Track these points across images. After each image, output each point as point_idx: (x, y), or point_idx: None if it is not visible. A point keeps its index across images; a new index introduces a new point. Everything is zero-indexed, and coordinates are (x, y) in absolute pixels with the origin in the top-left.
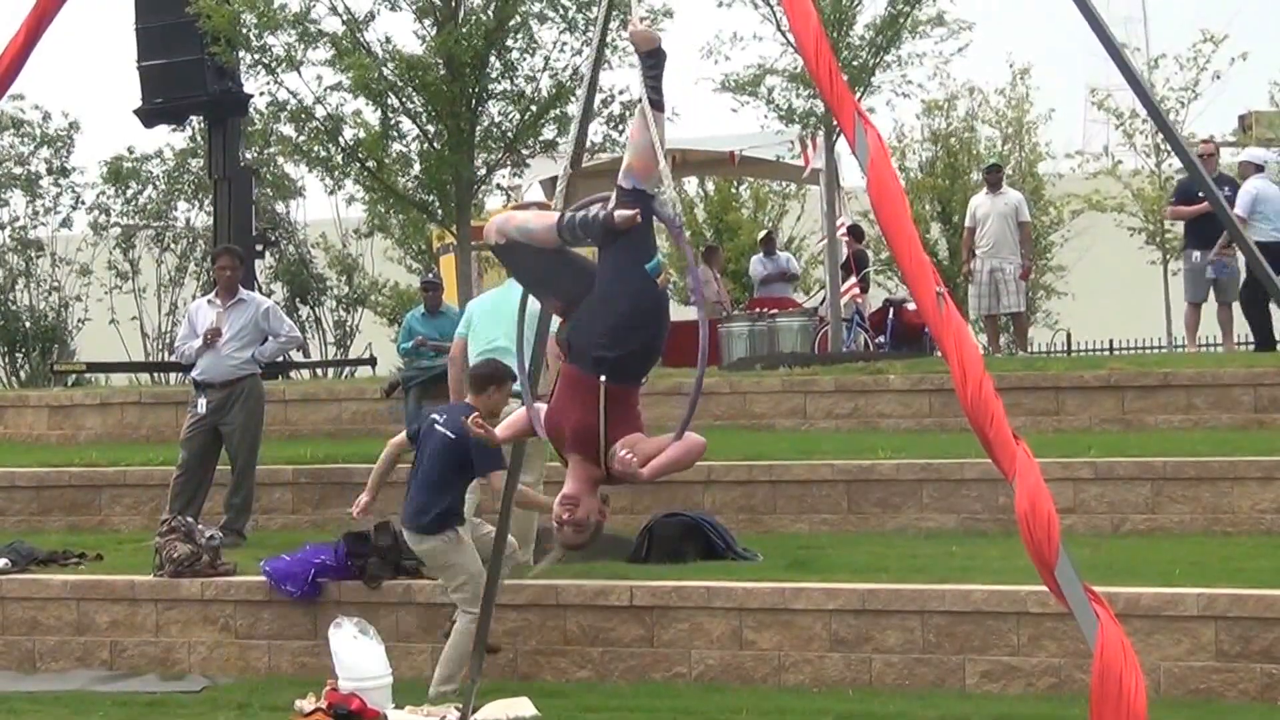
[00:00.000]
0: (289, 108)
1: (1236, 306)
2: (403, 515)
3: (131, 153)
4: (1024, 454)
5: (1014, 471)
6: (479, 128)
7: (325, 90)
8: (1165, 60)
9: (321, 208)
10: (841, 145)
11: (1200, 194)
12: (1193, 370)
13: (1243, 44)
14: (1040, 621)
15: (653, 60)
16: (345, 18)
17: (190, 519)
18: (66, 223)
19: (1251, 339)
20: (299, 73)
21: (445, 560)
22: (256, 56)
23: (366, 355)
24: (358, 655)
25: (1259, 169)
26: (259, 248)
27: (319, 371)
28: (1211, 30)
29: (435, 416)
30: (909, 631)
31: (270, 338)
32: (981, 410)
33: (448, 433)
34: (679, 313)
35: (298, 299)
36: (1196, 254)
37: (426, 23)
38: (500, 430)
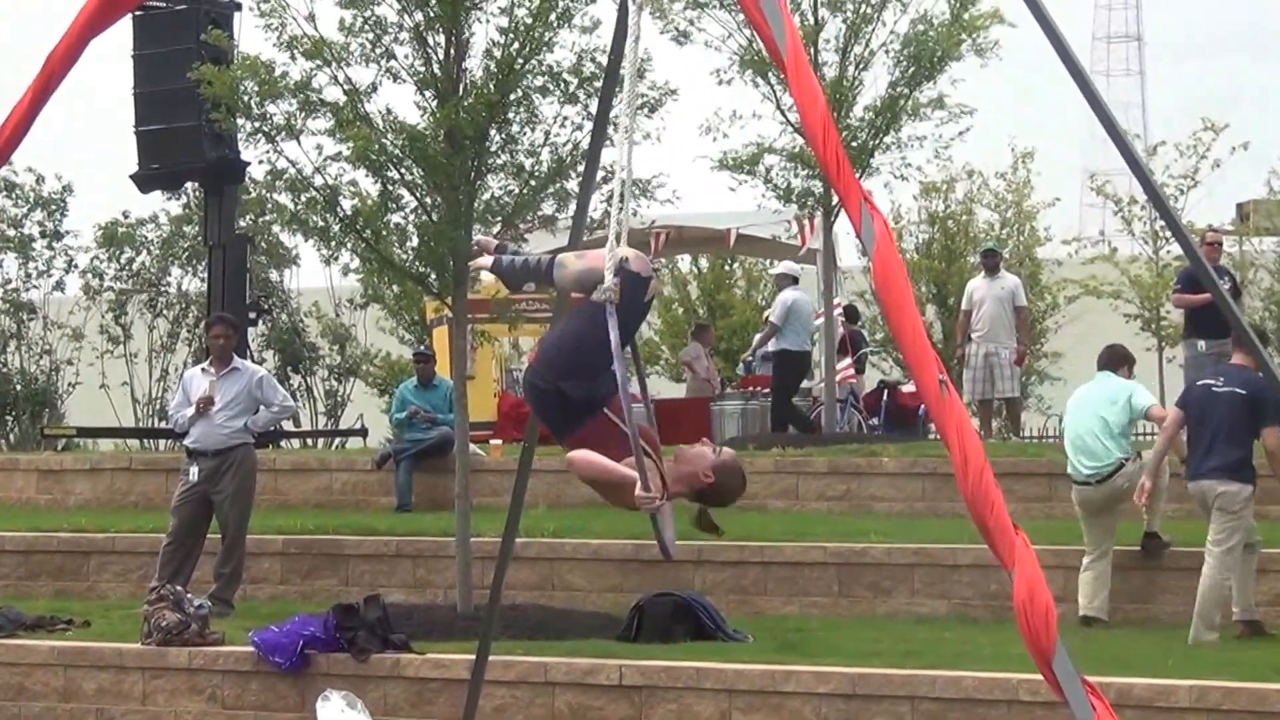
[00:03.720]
0: (286, 176)
1: None
2: (1198, 469)
3: (126, 218)
4: (1023, 543)
5: (1013, 561)
6: (478, 201)
7: (325, 160)
8: (1164, 147)
9: (315, 276)
10: (838, 226)
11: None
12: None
13: (1243, 133)
14: (1031, 710)
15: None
16: (347, 88)
17: (179, 587)
18: (59, 286)
19: None
20: (299, 142)
21: (1236, 506)
22: (256, 124)
23: (358, 426)
24: None
25: (794, 281)
26: (253, 316)
27: (310, 441)
28: (1212, 119)
29: (1211, 382)
30: (899, 717)
31: (263, 407)
32: (982, 499)
33: (1236, 389)
34: (672, 390)
35: (289, 368)
36: (1202, 343)
37: (428, 94)
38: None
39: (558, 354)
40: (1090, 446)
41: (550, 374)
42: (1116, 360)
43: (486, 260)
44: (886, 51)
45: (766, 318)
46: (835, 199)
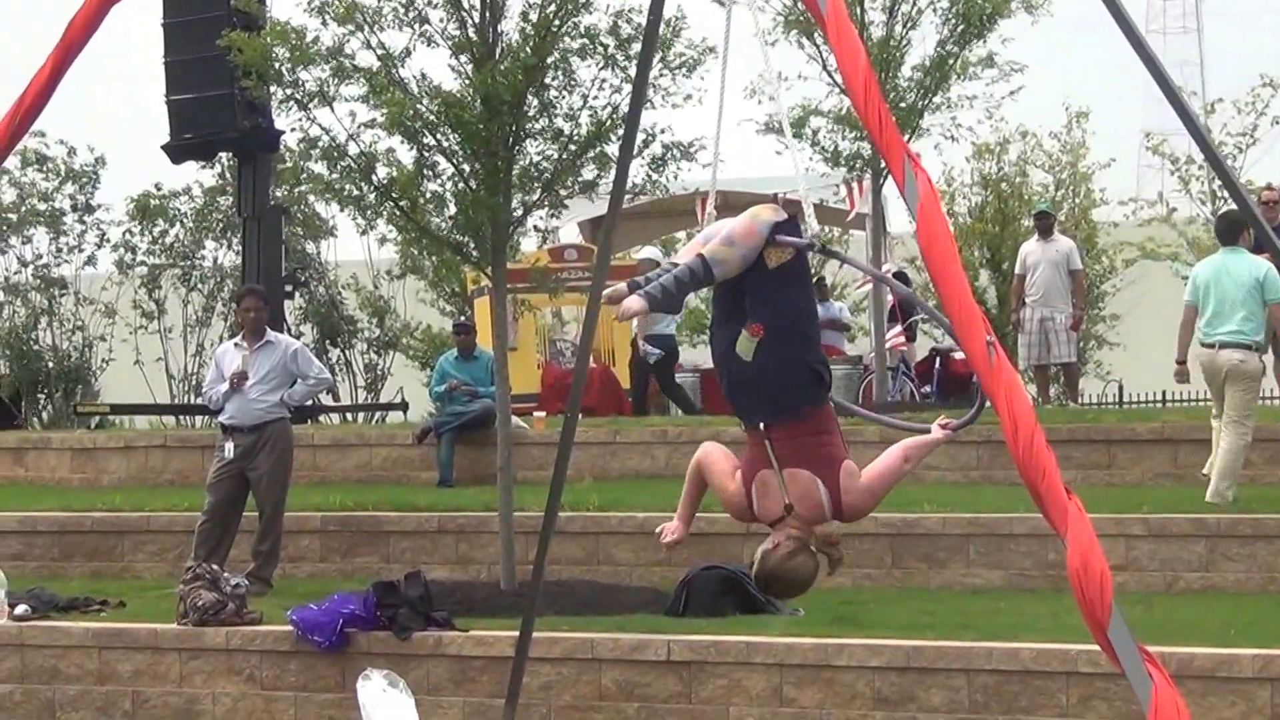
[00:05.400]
0: (320, 145)
1: None
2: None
3: (159, 190)
4: (1076, 509)
5: (1066, 527)
6: (516, 167)
7: (359, 127)
8: (1222, 105)
9: (353, 248)
10: (888, 189)
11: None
12: None
13: None
14: (1091, 681)
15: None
16: (380, 53)
17: (215, 566)
18: (91, 261)
19: None
20: (332, 109)
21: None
22: (288, 92)
23: (398, 400)
24: (387, 708)
25: (656, 266)
26: (289, 288)
27: (349, 416)
28: (1271, 75)
29: None
30: (954, 691)
31: (299, 380)
32: (1033, 464)
33: None
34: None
35: (328, 341)
36: None
37: (463, 59)
38: None
39: (790, 320)
40: (1227, 314)
41: (813, 350)
42: (1237, 230)
43: (637, 302)
44: (934, 9)
45: None
46: (884, 162)
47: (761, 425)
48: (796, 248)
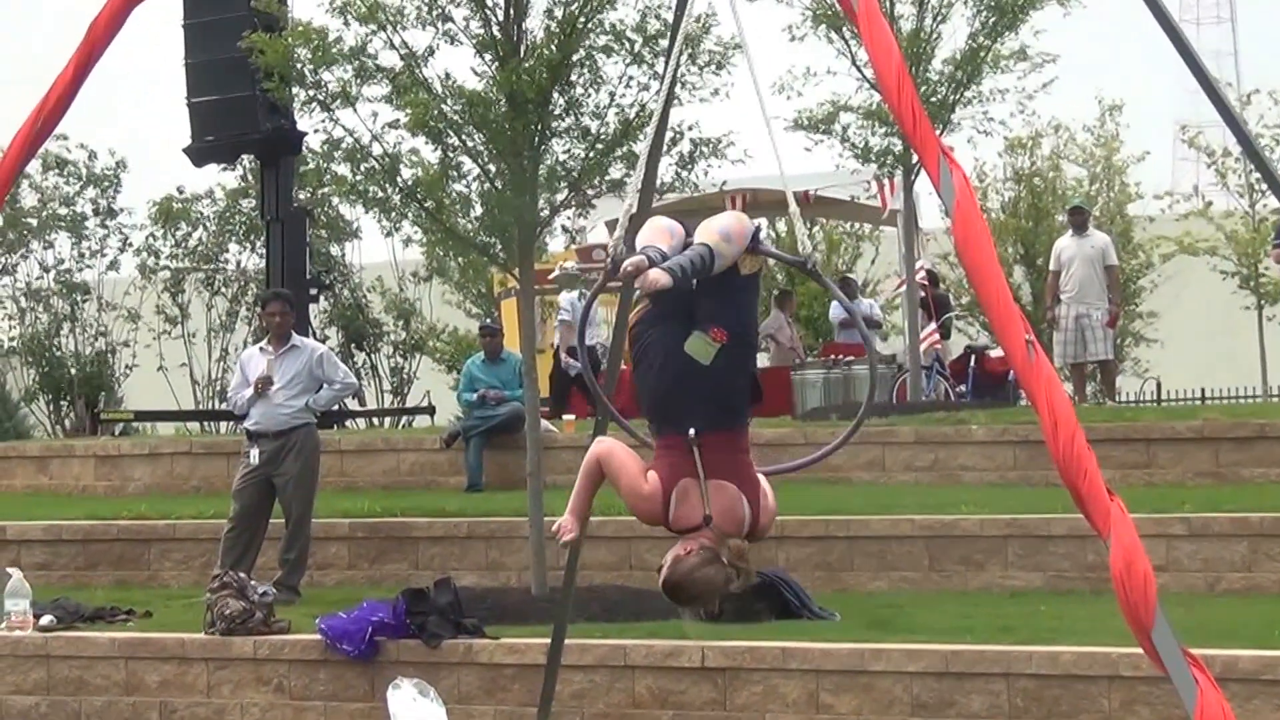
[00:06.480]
0: (344, 146)
1: None
2: None
3: (181, 193)
4: (1118, 510)
5: (1108, 528)
6: (543, 167)
7: (383, 128)
8: (1258, 96)
9: (377, 250)
10: (920, 185)
11: None
12: None
13: None
14: (1133, 685)
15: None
16: (403, 52)
17: (243, 574)
18: (114, 265)
19: None
20: (355, 110)
21: None
22: (311, 93)
23: (425, 403)
24: (417, 717)
25: (577, 279)
26: (313, 292)
27: (375, 420)
28: None
29: None
30: (994, 695)
31: (325, 385)
32: (1074, 464)
33: None
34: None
35: (353, 345)
36: None
37: (487, 57)
38: None
39: (749, 331)
40: None
41: (754, 361)
42: None
43: (665, 277)
44: (965, 2)
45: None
46: (915, 157)
47: (692, 432)
48: (788, 263)
